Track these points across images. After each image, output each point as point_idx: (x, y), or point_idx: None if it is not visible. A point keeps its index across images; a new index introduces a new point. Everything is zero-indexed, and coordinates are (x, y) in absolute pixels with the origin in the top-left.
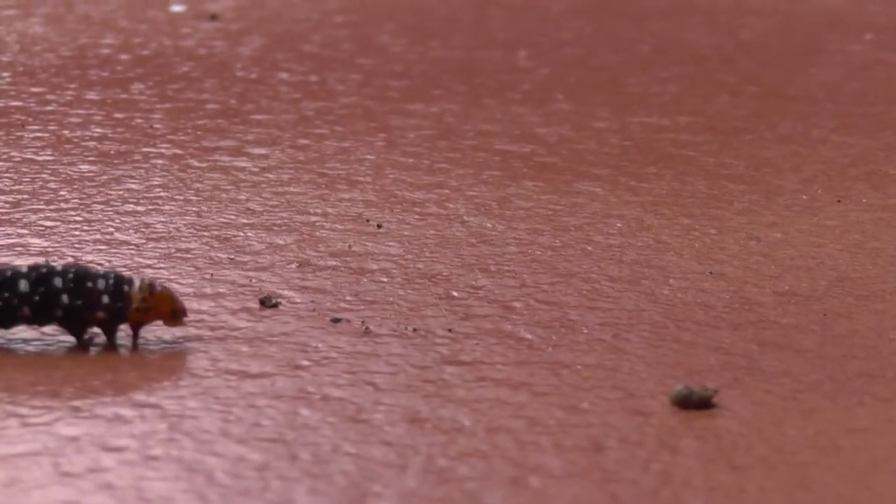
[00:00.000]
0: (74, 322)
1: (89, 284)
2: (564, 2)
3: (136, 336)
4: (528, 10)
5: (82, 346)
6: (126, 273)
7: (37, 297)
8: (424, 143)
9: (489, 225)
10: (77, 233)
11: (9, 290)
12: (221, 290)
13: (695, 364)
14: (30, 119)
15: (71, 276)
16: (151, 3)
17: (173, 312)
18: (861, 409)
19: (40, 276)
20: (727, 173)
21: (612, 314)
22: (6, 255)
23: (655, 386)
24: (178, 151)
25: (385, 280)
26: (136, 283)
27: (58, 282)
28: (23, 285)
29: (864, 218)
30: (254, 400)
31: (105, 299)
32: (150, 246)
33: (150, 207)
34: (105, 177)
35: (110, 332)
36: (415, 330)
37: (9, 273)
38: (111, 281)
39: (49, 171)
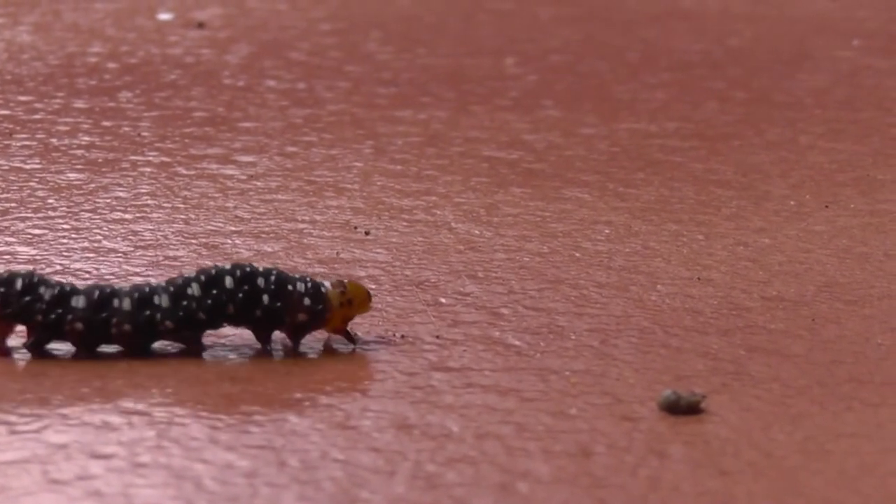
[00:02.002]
0: (272, 324)
1: (290, 287)
2: (552, 9)
3: (347, 335)
4: (515, 18)
5: (266, 350)
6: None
7: (241, 296)
8: (412, 151)
9: (477, 231)
10: (65, 241)
11: (216, 287)
12: None
13: (683, 369)
14: (17, 127)
15: (273, 278)
16: (139, 11)
17: (368, 296)
18: (849, 413)
19: (245, 275)
20: (715, 179)
21: (600, 320)
22: None
23: (643, 391)
24: (166, 159)
25: (373, 287)
26: (327, 283)
27: (261, 282)
28: (228, 282)
29: (852, 223)
30: (242, 407)
31: (306, 301)
32: (138, 254)
33: (137, 215)
34: (93, 185)
35: (301, 336)
36: (403, 336)
37: (213, 271)
38: (309, 284)
39: (37, 180)
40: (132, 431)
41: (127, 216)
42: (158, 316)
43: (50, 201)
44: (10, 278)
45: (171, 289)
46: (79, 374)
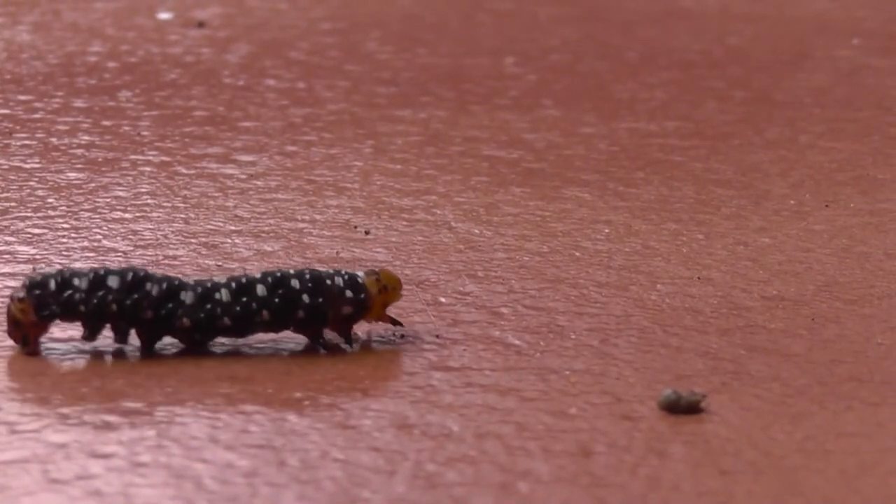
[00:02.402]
0: (316, 322)
1: (328, 283)
2: (552, 9)
3: (392, 321)
4: (515, 17)
5: (317, 347)
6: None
7: (277, 300)
8: (412, 150)
9: (477, 231)
10: (65, 240)
11: (247, 294)
12: None
13: (683, 369)
14: (17, 127)
15: (308, 277)
16: (139, 10)
17: (400, 282)
18: (849, 413)
19: (277, 280)
20: (715, 178)
21: (599, 320)
22: None
23: (643, 391)
24: (166, 159)
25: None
26: (360, 272)
27: (296, 283)
28: (260, 290)
29: (852, 222)
30: (242, 406)
31: (348, 293)
32: (137, 253)
33: (137, 215)
34: (93, 184)
35: (349, 328)
36: (402, 336)
37: (244, 279)
38: (346, 277)
39: (37, 179)
40: (132, 431)
41: (127, 215)
42: (180, 313)
43: (50, 200)
44: (44, 280)
45: (200, 290)
46: (79, 374)
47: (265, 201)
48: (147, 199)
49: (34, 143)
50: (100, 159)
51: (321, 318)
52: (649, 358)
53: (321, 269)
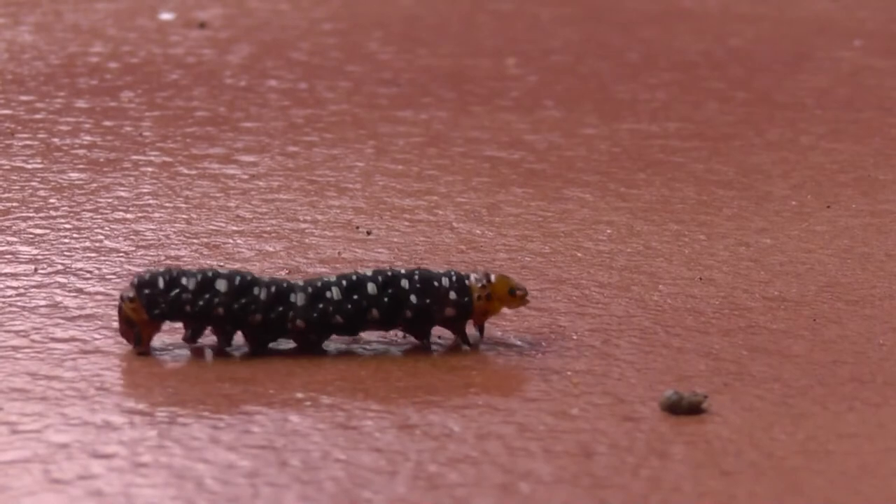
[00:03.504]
0: (424, 322)
1: (435, 284)
2: (553, 10)
3: (482, 331)
4: (516, 18)
5: (425, 347)
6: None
7: (386, 300)
8: (414, 151)
9: (478, 231)
10: (66, 240)
11: (357, 292)
12: None
13: (684, 370)
14: (19, 127)
15: (417, 277)
16: (140, 11)
17: (511, 291)
18: (851, 414)
19: (387, 279)
20: (716, 179)
21: (601, 320)
22: None
23: (645, 392)
24: (168, 159)
25: None
26: (472, 275)
27: (405, 283)
28: (371, 288)
29: (854, 223)
30: (243, 406)
31: (452, 296)
32: (139, 253)
33: (139, 215)
34: (94, 184)
35: (462, 329)
36: (405, 336)
37: (355, 277)
38: (454, 278)
39: (38, 179)
40: (133, 431)
41: (129, 216)
42: (292, 314)
43: (52, 201)
44: (153, 278)
45: (310, 289)
46: (80, 374)
47: (267, 202)
48: (149, 200)
49: (36, 143)
50: (101, 160)
51: (428, 319)
52: (651, 359)
53: (432, 269)
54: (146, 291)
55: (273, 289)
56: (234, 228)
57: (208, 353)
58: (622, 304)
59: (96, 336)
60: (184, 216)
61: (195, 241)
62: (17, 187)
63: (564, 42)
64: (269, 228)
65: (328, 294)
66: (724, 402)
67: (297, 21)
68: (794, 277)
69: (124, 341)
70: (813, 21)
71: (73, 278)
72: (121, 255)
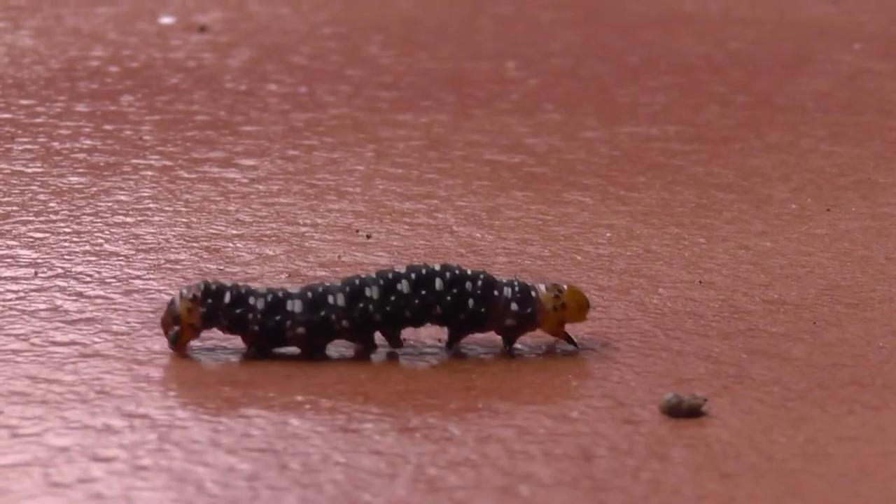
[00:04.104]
0: (475, 328)
1: (496, 293)
2: (553, 13)
3: (568, 338)
4: (516, 21)
5: (452, 349)
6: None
7: (449, 298)
8: (414, 154)
9: (478, 235)
10: (66, 244)
11: (426, 287)
12: None
13: (684, 373)
14: (19, 131)
15: (480, 283)
16: (140, 15)
17: (581, 306)
18: (850, 417)
19: (454, 278)
20: (716, 183)
21: (601, 323)
22: None
23: (645, 395)
24: (168, 163)
25: None
26: (542, 285)
27: (469, 286)
28: (438, 283)
29: (854, 226)
30: (243, 410)
31: (514, 307)
32: (139, 257)
33: (139, 219)
34: (94, 188)
35: (514, 338)
36: (404, 339)
37: (424, 271)
38: (517, 288)
39: (38, 183)
40: (133, 434)
41: (128, 220)
42: (371, 308)
43: (51, 205)
44: (219, 290)
45: (382, 283)
46: (80, 377)
47: (267, 205)
48: (149, 204)
49: (36, 147)
50: (101, 163)
51: (479, 326)
52: (651, 362)
53: (497, 276)
54: (209, 301)
55: (348, 289)
56: (234, 232)
57: (208, 356)
58: (622, 308)
59: (96, 340)
60: (184, 220)
61: (195, 244)
62: (16, 191)
63: (565, 45)
64: (268, 232)
65: (399, 286)
66: (724, 405)
67: (297, 25)
68: (793, 280)
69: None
70: (813, 24)
71: (72, 282)
72: (121, 258)
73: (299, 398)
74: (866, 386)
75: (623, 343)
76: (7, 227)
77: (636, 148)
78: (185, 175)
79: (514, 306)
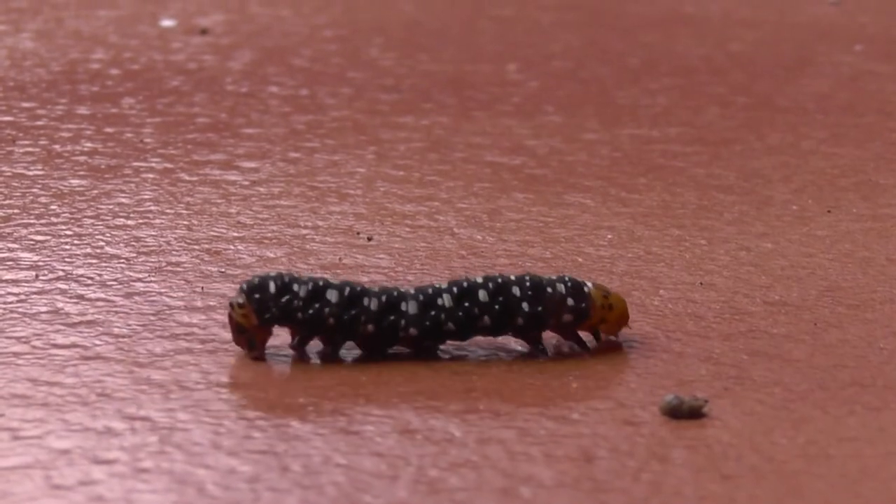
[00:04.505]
0: (536, 328)
1: (549, 291)
2: (554, 15)
3: (581, 341)
4: (517, 24)
5: (537, 353)
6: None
7: (497, 307)
8: (415, 156)
9: (479, 237)
10: (68, 247)
11: (469, 299)
12: (212, 304)
13: (685, 374)
14: (20, 134)
15: (528, 284)
16: (141, 18)
17: (621, 317)
18: (851, 418)
19: (498, 286)
20: (717, 184)
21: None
22: None
23: (646, 396)
24: (169, 165)
25: None
26: (589, 283)
27: (516, 291)
28: (482, 295)
29: (855, 228)
30: (244, 412)
31: (570, 301)
32: (140, 259)
33: (140, 221)
34: (95, 191)
35: (574, 334)
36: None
37: (465, 284)
38: (569, 284)
39: (40, 186)
40: (134, 437)
41: (129, 222)
42: (404, 322)
43: (53, 207)
44: (263, 282)
45: (421, 297)
46: (81, 380)
47: (268, 208)
48: (150, 206)
49: (37, 150)
50: (103, 166)
51: (540, 325)
52: (651, 363)
53: (542, 275)
54: (256, 296)
55: (384, 298)
56: (235, 234)
57: (209, 358)
58: None
59: (97, 342)
60: (185, 222)
61: (196, 247)
62: (18, 194)
63: (565, 47)
64: (270, 234)
65: (440, 301)
66: (725, 406)
67: (298, 27)
68: (794, 282)
69: (236, 345)
70: (814, 26)
71: (74, 284)
72: (122, 261)
73: (301, 400)
74: (867, 387)
75: (624, 344)
76: (8, 230)
77: (637, 150)
78: (187, 177)
79: (570, 301)
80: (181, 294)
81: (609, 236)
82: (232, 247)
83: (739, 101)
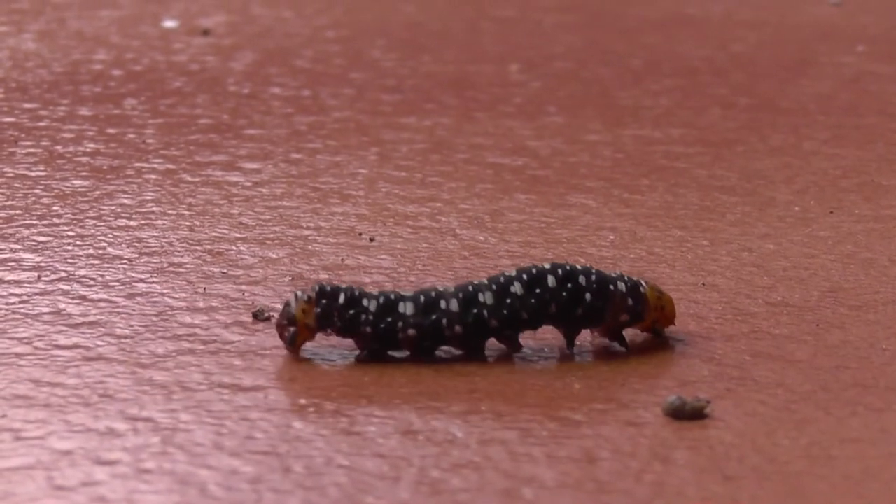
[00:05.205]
0: (590, 324)
1: (611, 287)
2: (556, 16)
3: (623, 340)
4: (519, 25)
5: (569, 350)
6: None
7: (564, 294)
8: (417, 157)
9: (482, 238)
10: (70, 248)
11: (539, 286)
12: (214, 304)
13: (688, 375)
14: (22, 135)
15: (593, 277)
16: (144, 18)
17: (674, 314)
18: (854, 419)
19: (566, 274)
20: (719, 185)
21: None
22: None
23: (648, 397)
24: (171, 166)
25: None
26: (643, 282)
27: (583, 280)
28: (551, 281)
29: (857, 229)
30: (247, 413)
31: (629, 301)
32: (142, 260)
33: (142, 222)
34: (98, 192)
35: (620, 334)
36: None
37: (535, 271)
38: (629, 284)
39: (42, 187)
40: (137, 438)
41: (132, 223)
42: (486, 314)
43: (55, 208)
44: (334, 291)
45: (495, 287)
46: (83, 381)
47: (270, 208)
48: (152, 207)
49: (39, 150)
50: (105, 167)
51: (597, 320)
52: (654, 364)
53: (606, 271)
54: (324, 302)
55: (461, 295)
56: (238, 235)
57: (211, 359)
58: None
59: (99, 343)
60: (187, 223)
61: (198, 248)
62: (20, 195)
63: (567, 48)
64: (272, 235)
65: (512, 288)
66: (728, 407)
67: (300, 28)
68: (797, 283)
69: (278, 339)
70: (815, 27)
71: (76, 285)
72: (124, 262)
73: (302, 401)
74: (870, 388)
75: (626, 346)
76: (10, 231)
77: (639, 151)
78: (189, 178)
79: (629, 301)
80: (183, 295)
81: (611, 237)
82: (234, 248)
83: (741, 102)
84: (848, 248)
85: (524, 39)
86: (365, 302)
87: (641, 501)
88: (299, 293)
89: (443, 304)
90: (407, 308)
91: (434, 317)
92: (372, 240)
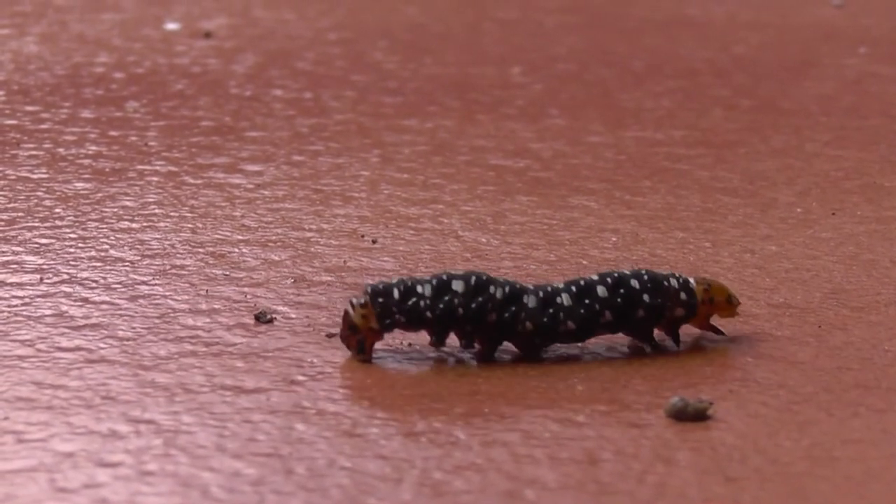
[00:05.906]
0: (653, 322)
1: (666, 284)
2: (558, 17)
3: (714, 330)
4: (521, 27)
5: (653, 347)
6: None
7: (618, 300)
8: (419, 159)
9: (484, 240)
10: (72, 250)
11: (588, 296)
12: (216, 306)
13: (690, 376)
14: (25, 137)
15: (646, 277)
16: (146, 21)
17: (729, 299)
18: (856, 420)
19: (617, 281)
20: (721, 187)
21: None
22: (1, 273)
23: (651, 398)
24: (173, 168)
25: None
26: (692, 279)
27: (635, 283)
28: (601, 291)
29: (859, 230)
30: (249, 415)
31: (682, 296)
32: (145, 263)
33: (144, 224)
34: (100, 194)
35: (677, 331)
36: (410, 344)
37: (582, 282)
38: (681, 280)
39: (44, 189)
40: (139, 440)
41: (134, 225)
42: (523, 315)
43: (57, 211)
44: (387, 288)
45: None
46: (86, 383)
47: (272, 211)
48: (154, 209)
49: (41, 153)
50: (107, 169)
51: (658, 318)
52: (656, 365)
53: (656, 270)
54: (380, 300)
55: (507, 289)
56: (240, 237)
57: (213, 361)
58: None
59: (102, 345)
60: (189, 225)
61: (200, 250)
62: (22, 197)
63: (569, 50)
64: (274, 237)
65: (559, 300)
66: (730, 408)
67: (302, 31)
68: (799, 284)
69: (345, 346)
70: (817, 28)
71: (78, 288)
72: (126, 264)
73: (305, 403)
74: (872, 389)
75: (628, 347)
76: (13, 233)
77: (641, 152)
78: (191, 181)
79: (682, 296)
80: (185, 297)
81: (613, 239)
82: (236, 250)
83: (743, 104)
84: (850, 249)
85: (526, 41)
86: (419, 288)
87: (644, 503)
88: (354, 300)
89: (492, 289)
90: (458, 286)
91: (481, 299)
92: (374, 242)
